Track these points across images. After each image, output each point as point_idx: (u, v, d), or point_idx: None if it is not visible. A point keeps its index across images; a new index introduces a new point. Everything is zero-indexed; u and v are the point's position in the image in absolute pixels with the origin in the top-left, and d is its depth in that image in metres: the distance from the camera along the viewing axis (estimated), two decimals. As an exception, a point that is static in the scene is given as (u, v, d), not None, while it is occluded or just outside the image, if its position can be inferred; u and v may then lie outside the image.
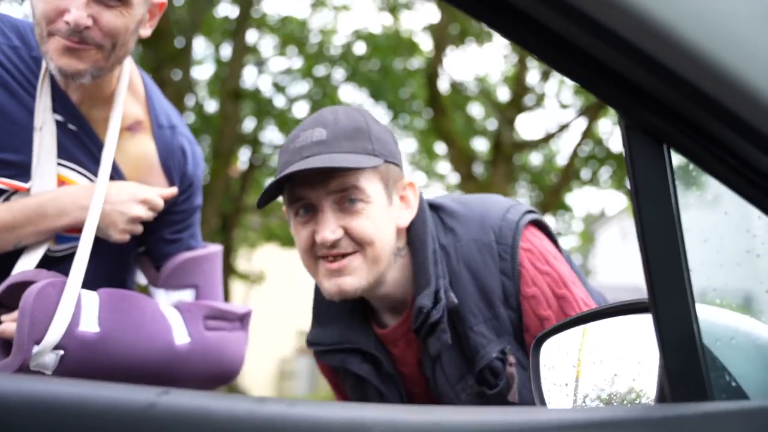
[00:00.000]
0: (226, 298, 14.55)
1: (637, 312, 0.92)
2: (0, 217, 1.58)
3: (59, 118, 1.64)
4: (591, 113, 12.43)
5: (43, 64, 1.66)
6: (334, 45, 13.60)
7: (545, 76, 12.92)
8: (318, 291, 1.72)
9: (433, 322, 1.54)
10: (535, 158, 14.44)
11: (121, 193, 1.66)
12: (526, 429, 0.68)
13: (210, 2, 11.99)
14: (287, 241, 15.75)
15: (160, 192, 1.72)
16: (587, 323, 1.03)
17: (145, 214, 1.68)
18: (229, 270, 14.87)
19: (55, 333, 1.49)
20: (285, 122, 13.96)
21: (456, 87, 12.92)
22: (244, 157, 14.54)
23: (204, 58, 14.13)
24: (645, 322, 0.85)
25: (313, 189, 1.54)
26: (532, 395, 1.38)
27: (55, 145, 1.63)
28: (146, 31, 1.71)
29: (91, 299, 1.57)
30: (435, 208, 1.71)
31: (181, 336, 1.65)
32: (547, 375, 1.08)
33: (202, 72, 14.21)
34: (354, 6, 14.36)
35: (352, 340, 1.67)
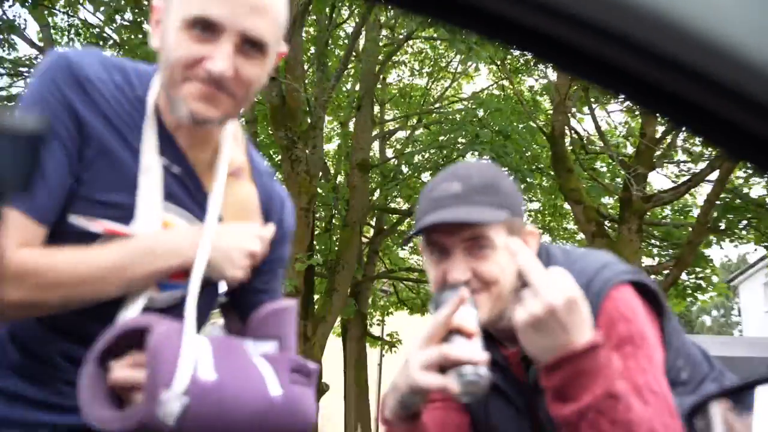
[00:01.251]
0: (362, 365, 14.79)
1: None
2: (107, 257, 1.54)
3: (165, 161, 1.61)
4: (725, 163, 11.96)
5: (149, 105, 1.63)
6: (454, 111, 13.64)
7: (674, 128, 12.56)
8: None
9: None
10: (668, 212, 14.08)
11: (234, 231, 1.66)
12: None
13: (337, 80, 12.19)
14: (415, 309, 15.72)
15: (266, 230, 1.71)
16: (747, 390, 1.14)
17: (259, 249, 1.68)
18: (364, 335, 15.00)
19: (183, 378, 1.46)
20: (411, 190, 14.04)
21: (580, 144, 12.67)
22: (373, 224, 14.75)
23: (330, 134, 14.36)
24: None
25: (447, 236, 1.71)
26: None
27: (161, 187, 1.61)
28: (264, 79, 1.69)
29: (205, 345, 1.55)
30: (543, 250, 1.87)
31: (274, 388, 1.60)
32: None
33: (331, 147, 14.50)
34: (474, 73, 14.37)
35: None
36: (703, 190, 12.88)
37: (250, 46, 1.55)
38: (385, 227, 14.77)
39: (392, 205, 14.78)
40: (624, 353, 1.64)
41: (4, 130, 0.59)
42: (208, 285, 1.65)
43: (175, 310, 1.59)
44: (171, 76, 1.56)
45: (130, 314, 1.59)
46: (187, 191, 1.67)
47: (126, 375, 1.49)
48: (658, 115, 0.73)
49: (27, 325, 1.61)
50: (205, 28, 1.52)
